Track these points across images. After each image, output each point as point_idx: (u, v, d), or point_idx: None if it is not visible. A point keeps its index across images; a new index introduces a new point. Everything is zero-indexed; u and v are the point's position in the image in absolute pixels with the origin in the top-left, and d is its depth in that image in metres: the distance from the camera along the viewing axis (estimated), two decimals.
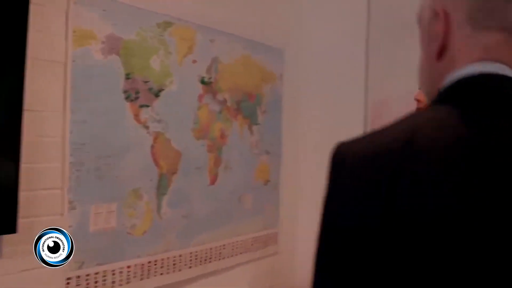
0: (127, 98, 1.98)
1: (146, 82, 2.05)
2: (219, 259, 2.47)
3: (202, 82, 2.32)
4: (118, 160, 1.96)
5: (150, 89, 2.07)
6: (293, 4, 2.99)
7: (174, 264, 2.22)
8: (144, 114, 2.06)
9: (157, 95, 2.10)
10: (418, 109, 1.97)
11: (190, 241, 2.30)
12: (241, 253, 2.61)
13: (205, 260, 2.39)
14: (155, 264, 2.13)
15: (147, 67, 2.06)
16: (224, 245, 2.49)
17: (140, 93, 2.03)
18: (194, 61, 2.27)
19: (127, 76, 1.97)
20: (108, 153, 1.93)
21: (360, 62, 2.83)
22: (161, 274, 2.16)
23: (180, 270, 2.24)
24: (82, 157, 1.83)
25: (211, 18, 2.35)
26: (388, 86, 2.75)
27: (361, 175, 0.67)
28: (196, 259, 2.33)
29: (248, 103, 2.60)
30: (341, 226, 0.67)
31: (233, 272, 2.58)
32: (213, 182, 2.41)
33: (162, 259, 2.16)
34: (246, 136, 2.61)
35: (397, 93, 2.71)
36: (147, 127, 2.07)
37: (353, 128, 2.85)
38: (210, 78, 2.35)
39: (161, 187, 2.15)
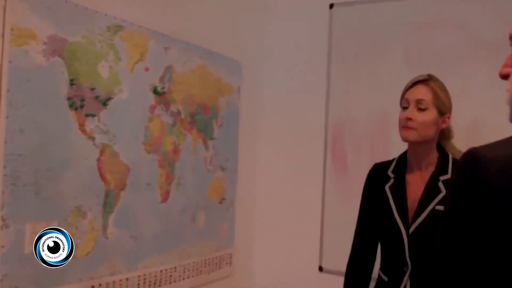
0: (71, 106, 1.80)
1: (92, 89, 1.88)
2: (170, 283, 2.29)
3: (155, 91, 2.16)
4: (59, 174, 1.78)
5: (97, 97, 1.90)
6: (254, 16, 2.88)
7: None
8: (90, 124, 1.88)
9: (105, 104, 1.93)
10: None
11: (138, 263, 2.11)
12: (193, 276, 2.45)
13: (155, 283, 2.21)
14: None
15: (95, 73, 1.89)
16: (175, 267, 2.32)
17: (85, 101, 1.85)
18: (147, 69, 2.12)
19: (72, 82, 1.80)
20: (48, 166, 1.74)
21: (322, 80, 2.75)
22: None
23: None
24: (18, 169, 1.64)
25: (166, 24, 2.21)
26: (350, 106, 2.67)
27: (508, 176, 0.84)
28: (144, 283, 2.15)
29: (203, 116, 2.46)
30: (491, 221, 0.84)
31: None
32: (164, 199, 2.25)
33: (107, 283, 1.97)
34: (201, 151, 2.46)
35: (358, 113, 2.64)
36: (93, 139, 1.89)
37: (313, 146, 2.76)
38: (163, 88, 2.20)
39: (108, 204, 1.96)
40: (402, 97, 1.95)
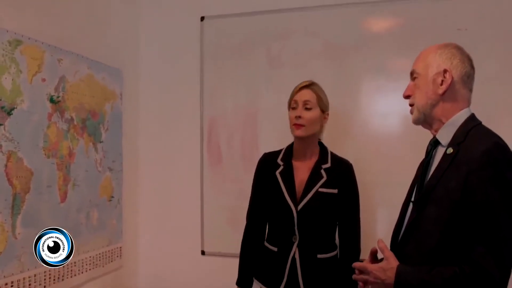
0: None
1: None
2: (71, 276, 2.48)
3: (51, 100, 2.33)
4: None
5: (2, 107, 2.05)
6: (131, 28, 3.17)
7: (29, 285, 2.19)
8: None
9: (9, 113, 2.08)
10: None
11: None
12: (90, 269, 2.65)
13: (58, 278, 2.39)
14: (12, 286, 2.09)
15: None
16: (75, 262, 2.51)
17: None
18: (43, 80, 2.28)
19: None
20: None
21: (196, 81, 3.08)
22: None
23: None
24: None
25: (58, 37, 2.39)
26: (222, 104, 3.05)
27: None
28: (50, 278, 2.32)
29: (92, 122, 2.66)
30: None
31: None
32: (63, 200, 2.43)
33: (18, 280, 2.12)
34: (91, 153, 2.66)
35: (229, 109, 3.03)
36: (0, 146, 2.04)
37: (190, 142, 3.09)
38: (58, 97, 2.38)
39: (15, 207, 2.11)
40: (291, 100, 2.31)
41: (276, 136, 2.62)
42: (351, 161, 2.37)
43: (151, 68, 3.21)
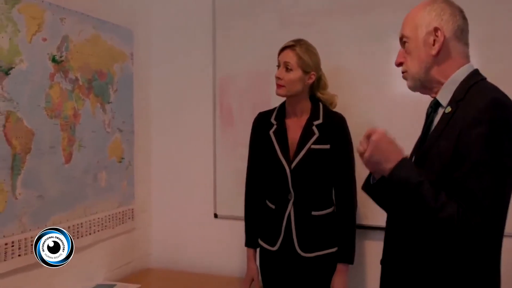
0: None
1: None
2: (77, 238, 2.48)
3: (53, 60, 2.30)
4: None
5: None
6: None
7: (31, 245, 2.18)
8: None
9: (7, 73, 2.05)
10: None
11: (47, 221, 2.27)
12: (98, 231, 2.65)
13: None
14: (12, 246, 2.10)
15: None
16: (81, 223, 2.51)
17: None
18: (44, 39, 2.24)
19: None
20: None
21: (208, 41, 3.01)
22: (19, 255, 2.13)
23: None
24: None
25: None
26: (233, 63, 2.97)
27: None
28: None
29: (99, 82, 2.63)
30: None
31: (92, 250, 2.62)
32: (67, 161, 2.41)
33: (19, 240, 2.13)
34: (99, 114, 2.63)
35: (241, 70, 2.94)
36: None
37: (203, 104, 3.03)
38: (61, 56, 2.34)
39: (15, 167, 2.11)
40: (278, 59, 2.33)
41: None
42: (365, 123, 2.28)
43: (163, 29, 3.13)
